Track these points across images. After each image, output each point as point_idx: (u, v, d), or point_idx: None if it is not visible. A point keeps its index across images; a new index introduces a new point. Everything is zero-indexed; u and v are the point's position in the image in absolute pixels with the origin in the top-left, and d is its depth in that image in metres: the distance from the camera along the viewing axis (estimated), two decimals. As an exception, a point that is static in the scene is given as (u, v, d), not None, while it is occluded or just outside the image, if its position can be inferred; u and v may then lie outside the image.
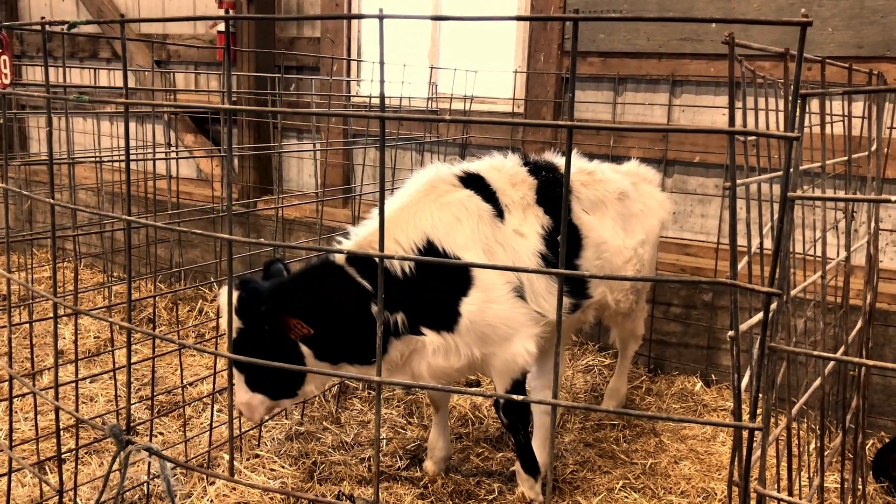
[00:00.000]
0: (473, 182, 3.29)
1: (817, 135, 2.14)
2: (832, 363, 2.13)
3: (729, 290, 1.23)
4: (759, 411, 1.47)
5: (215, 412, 3.99)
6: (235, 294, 2.93)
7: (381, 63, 1.41)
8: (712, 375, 4.89)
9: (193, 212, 5.80)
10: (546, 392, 3.72)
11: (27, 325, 3.45)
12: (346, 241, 3.23)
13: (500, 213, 3.23)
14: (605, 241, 3.53)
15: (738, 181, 1.36)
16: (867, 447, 4.05)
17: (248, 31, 6.43)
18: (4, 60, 2.31)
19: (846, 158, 2.28)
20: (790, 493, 1.78)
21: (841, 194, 3.36)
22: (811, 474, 2.61)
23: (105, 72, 7.10)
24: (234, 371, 3.13)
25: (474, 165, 3.46)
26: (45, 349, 5.03)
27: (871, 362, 1.23)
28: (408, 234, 3.09)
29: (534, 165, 3.49)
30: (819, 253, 2.12)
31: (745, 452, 1.28)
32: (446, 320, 3.07)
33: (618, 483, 3.69)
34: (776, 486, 2.37)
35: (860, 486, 2.69)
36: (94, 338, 5.35)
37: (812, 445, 3.12)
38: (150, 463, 3.35)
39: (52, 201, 1.87)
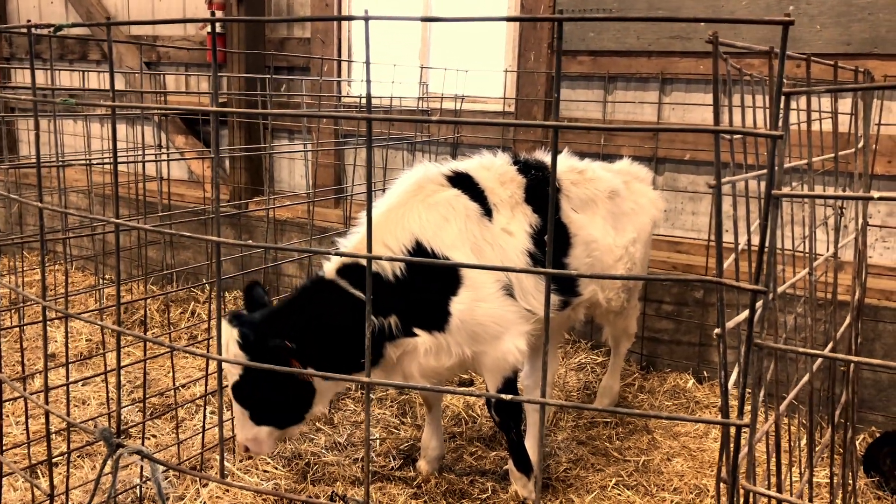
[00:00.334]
0: (461, 181, 3.30)
1: (805, 132, 2.15)
2: (820, 359, 2.14)
3: (717, 288, 1.24)
4: (747, 408, 1.48)
5: (208, 414, 3.99)
6: (235, 330, 2.91)
7: (368, 63, 1.41)
8: (704, 372, 4.91)
9: (185, 213, 5.79)
10: (538, 391, 3.72)
11: (18, 329, 3.44)
12: (334, 258, 3.21)
13: (488, 212, 3.24)
14: (595, 239, 3.53)
15: (724, 179, 1.37)
16: (858, 442, 4.08)
17: (238, 32, 6.42)
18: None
19: (833, 155, 2.29)
20: (780, 489, 1.79)
21: (830, 191, 3.38)
22: (803, 470, 2.62)
23: (95, 74, 7.07)
24: (236, 407, 3.09)
25: (463, 164, 3.46)
26: (36, 353, 5.01)
27: (856, 359, 1.24)
28: (396, 237, 3.09)
29: (523, 164, 3.50)
30: (808, 249, 2.13)
31: (732, 449, 1.29)
32: (437, 320, 3.08)
33: (611, 480, 3.70)
34: (768, 481, 2.38)
35: (850, 481, 2.70)
36: (87, 340, 5.33)
37: (804, 441, 3.13)
38: (142, 466, 3.34)
39: (40, 205, 1.87)
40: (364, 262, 3.00)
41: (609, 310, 3.92)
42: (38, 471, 3.52)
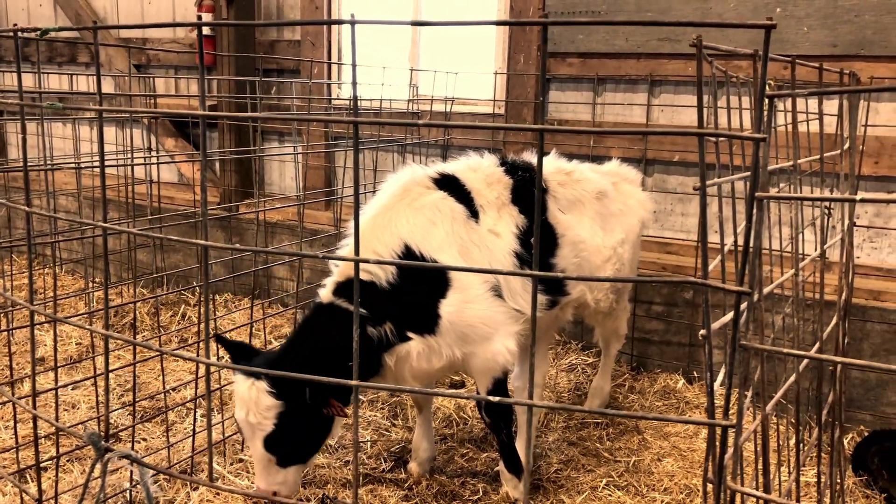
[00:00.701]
0: (448, 183, 3.30)
1: (792, 133, 2.17)
2: (806, 359, 2.15)
3: (705, 289, 1.25)
4: (737, 409, 1.49)
5: (199, 417, 3.98)
6: (261, 383, 2.80)
7: (354, 66, 1.41)
8: (694, 373, 4.93)
9: (175, 216, 5.78)
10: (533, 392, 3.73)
11: (6, 333, 3.42)
12: (329, 278, 3.20)
13: (474, 214, 3.25)
14: (582, 239, 3.55)
15: (709, 181, 1.38)
16: (847, 441, 4.10)
17: (228, 34, 6.41)
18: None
19: (819, 157, 2.31)
20: (767, 489, 1.80)
21: (818, 191, 3.40)
22: (791, 469, 2.64)
23: (84, 77, 7.05)
24: (262, 456, 2.93)
25: (450, 166, 3.47)
26: (26, 356, 4.99)
27: (840, 359, 1.25)
28: (385, 243, 3.09)
29: (510, 165, 3.51)
30: (794, 250, 2.15)
31: (718, 449, 1.30)
32: (427, 323, 3.08)
33: (601, 481, 3.71)
34: (756, 481, 2.39)
35: (839, 481, 2.72)
36: (76, 344, 5.31)
37: (793, 441, 3.15)
38: (132, 470, 3.33)
39: (27, 209, 1.86)
40: (360, 278, 3.00)
41: (598, 310, 3.93)
42: (27, 475, 3.50)
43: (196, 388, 3.89)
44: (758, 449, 2.05)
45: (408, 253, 3.07)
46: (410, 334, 3.09)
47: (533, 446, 3.93)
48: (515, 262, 3.23)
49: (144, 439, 4.02)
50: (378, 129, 5.73)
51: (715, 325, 1.35)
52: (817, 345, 2.15)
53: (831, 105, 4.22)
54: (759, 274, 1.65)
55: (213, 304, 6.13)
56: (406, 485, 3.67)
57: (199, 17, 6.55)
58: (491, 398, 1.29)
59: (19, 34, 1.85)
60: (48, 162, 4.54)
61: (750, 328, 1.53)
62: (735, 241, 1.86)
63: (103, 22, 7.64)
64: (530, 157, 3.72)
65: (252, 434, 2.89)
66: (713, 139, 1.82)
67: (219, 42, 6.54)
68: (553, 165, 3.74)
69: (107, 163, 5.15)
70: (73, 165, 4.47)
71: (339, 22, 1.27)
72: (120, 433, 3.90)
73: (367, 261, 1.37)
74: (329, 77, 6.50)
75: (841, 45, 4.54)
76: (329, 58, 6.42)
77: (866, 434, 4.06)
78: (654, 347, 5.08)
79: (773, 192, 3.01)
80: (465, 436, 4.19)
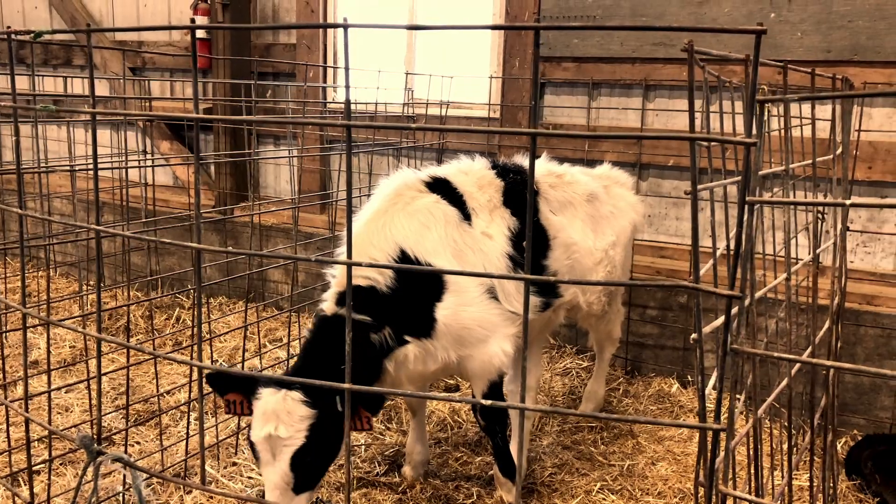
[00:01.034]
0: (440, 187, 3.31)
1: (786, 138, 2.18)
2: (798, 363, 2.16)
3: (696, 293, 1.25)
4: (727, 413, 1.50)
5: (192, 420, 3.97)
6: (292, 392, 2.70)
7: (347, 70, 1.42)
8: (688, 376, 4.93)
9: (170, 219, 5.77)
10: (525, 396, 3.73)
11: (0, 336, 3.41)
12: (330, 290, 3.16)
13: (467, 217, 3.25)
14: (574, 242, 3.56)
15: (701, 186, 1.38)
16: (840, 445, 4.11)
17: (224, 37, 6.41)
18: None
19: (811, 161, 2.32)
20: (759, 493, 1.81)
21: (810, 196, 3.41)
22: (784, 473, 2.64)
23: (79, 79, 7.03)
24: (283, 476, 2.76)
25: (441, 170, 3.48)
26: (19, 359, 4.97)
27: (831, 363, 1.25)
28: (381, 248, 3.08)
29: (501, 168, 3.52)
30: (786, 254, 2.16)
31: (709, 453, 1.30)
32: (424, 326, 3.08)
33: (595, 485, 3.71)
34: (749, 485, 2.39)
35: (831, 485, 2.72)
36: (70, 347, 5.30)
37: (786, 445, 3.16)
38: (125, 473, 3.32)
39: (20, 211, 1.86)
40: (358, 283, 2.99)
41: (590, 313, 3.94)
42: (20, 479, 3.49)
43: (190, 391, 3.89)
44: (750, 453, 2.06)
45: (403, 257, 3.07)
46: (407, 338, 3.08)
47: (527, 450, 3.93)
48: (509, 263, 3.24)
49: (138, 442, 4.01)
50: (373, 133, 5.73)
51: (706, 329, 1.35)
52: (809, 349, 2.16)
53: (825, 110, 4.24)
54: (752, 278, 1.65)
55: (208, 308, 6.12)
56: (400, 488, 3.67)
57: (194, 21, 6.54)
58: (484, 402, 1.29)
59: (13, 37, 1.85)
60: (42, 164, 4.53)
61: (742, 332, 1.54)
62: (728, 245, 1.87)
63: (99, 24, 7.63)
64: (520, 159, 3.73)
65: (278, 452, 2.72)
66: (704, 144, 1.82)
67: (214, 45, 6.55)
68: (544, 168, 3.76)
69: (101, 165, 5.14)
70: (67, 168, 4.46)
71: (332, 26, 1.27)
72: (113, 436, 3.89)
73: (359, 264, 1.37)
74: (324, 80, 6.50)
75: (835, 51, 4.56)
76: (324, 61, 6.43)
77: (859, 438, 4.08)
78: (649, 351, 5.08)
79: (766, 196, 3.02)
80: (459, 439, 4.19)
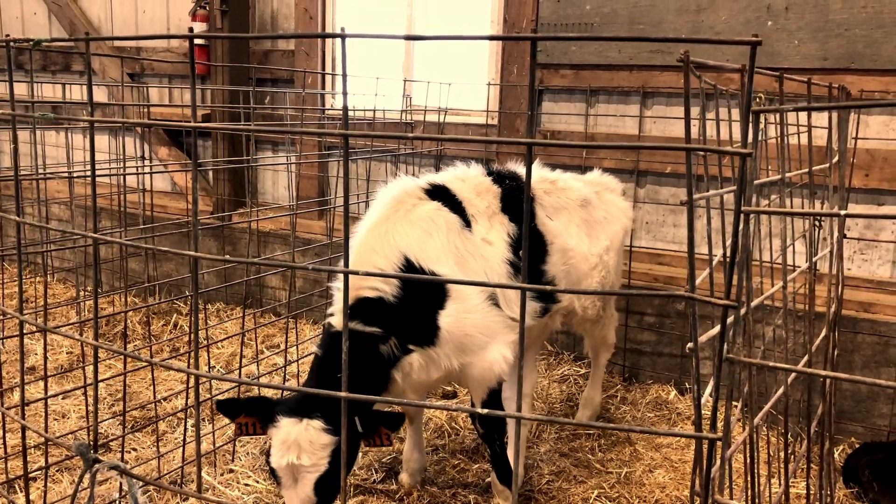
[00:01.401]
0: (440, 194, 3.31)
1: (782, 146, 2.19)
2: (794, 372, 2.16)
3: (692, 302, 1.25)
4: (723, 422, 1.50)
5: (189, 427, 3.97)
6: (314, 421, 2.69)
7: (344, 79, 1.42)
8: (686, 384, 4.93)
9: (168, 225, 5.77)
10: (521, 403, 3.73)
11: (-4, 342, 3.41)
12: (336, 304, 3.15)
13: (467, 223, 3.26)
14: (571, 247, 3.57)
15: (697, 195, 1.39)
16: (838, 453, 4.11)
17: (222, 44, 6.42)
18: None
19: (808, 170, 2.33)
20: (754, 501, 1.81)
21: (808, 204, 3.42)
22: (781, 481, 2.64)
23: (78, 85, 7.04)
24: (306, 502, 2.75)
25: (439, 177, 3.48)
26: (16, 366, 4.96)
27: (826, 373, 1.26)
28: (386, 256, 3.07)
29: (497, 175, 3.53)
30: (787, 262, 2.16)
31: (705, 462, 1.30)
32: (427, 335, 3.08)
33: (593, 492, 3.71)
34: (746, 493, 2.39)
35: (829, 493, 2.72)
36: (67, 353, 5.29)
37: (784, 453, 3.16)
38: (121, 481, 3.31)
39: (17, 219, 1.86)
40: (367, 294, 2.99)
41: (585, 318, 3.94)
42: (16, 486, 3.48)
43: (186, 398, 3.88)
44: (747, 461, 2.06)
45: (408, 265, 3.07)
46: (412, 347, 3.08)
47: (524, 457, 3.93)
48: (509, 269, 3.24)
49: (134, 449, 4.00)
50: (371, 140, 5.74)
51: (702, 338, 1.36)
52: (806, 357, 2.16)
53: (822, 118, 4.25)
54: (749, 286, 1.66)
55: (205, 314, 6.12)
56: (397, 496, 3.66)
57: (192, 29, 6.56)
58: (480, 410, 1.29)
59: (11, 44, 1.86)
60: (40, 171, 4.53)
61: (739, 340, 1.54)
62: (724, 254, 1.87)
63: (98, 31, 7.64)
64: (514, 166, 3.74)
65: (301, 477, 2.72)
66: (702, 153, 1.83)
67: (213, 51, 6.55)
68: (538, 174, 3.77)
69: (99, 172, 5.14)
70: (65, 175, 4.46)
71: (330, 36, 1.28)
72: (110, 443, 3.88)
73: (356, 272, 1.38)
74: (323, 87, 6.51)
75: (832, 59, 4.57)
76: (323, 68, 6.44)
77: (857, 446, 4.08)
78: (646, 358, 5.08)
79: (763, 203, 3.02)
80: (456, 447, 4.19)
